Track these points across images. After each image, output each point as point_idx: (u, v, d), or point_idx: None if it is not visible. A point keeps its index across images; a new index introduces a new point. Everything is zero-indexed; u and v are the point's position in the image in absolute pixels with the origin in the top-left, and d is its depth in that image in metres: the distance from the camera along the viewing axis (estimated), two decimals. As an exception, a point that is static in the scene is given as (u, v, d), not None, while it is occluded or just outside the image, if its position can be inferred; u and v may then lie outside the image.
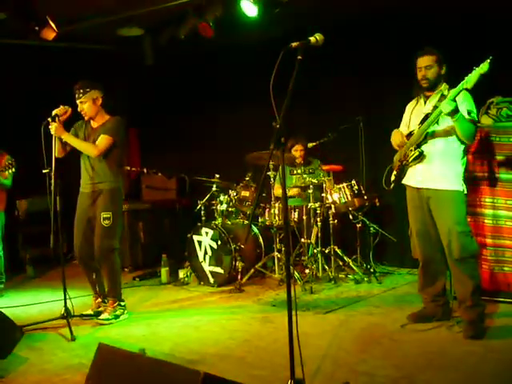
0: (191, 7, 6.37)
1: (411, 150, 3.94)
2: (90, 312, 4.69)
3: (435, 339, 3.79)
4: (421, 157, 3.89)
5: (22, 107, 7.31)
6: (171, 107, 8.01)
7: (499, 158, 4.47)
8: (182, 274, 6.07)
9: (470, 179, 4.47)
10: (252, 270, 5.64)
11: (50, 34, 6.08)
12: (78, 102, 4.57)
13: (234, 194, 5.94)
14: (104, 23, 6.68)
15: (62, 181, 4.41)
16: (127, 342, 4.02)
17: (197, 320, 4.56)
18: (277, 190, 5.71)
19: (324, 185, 5.69)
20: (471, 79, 3.45)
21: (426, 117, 3.85)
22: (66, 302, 4.35)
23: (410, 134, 4.03)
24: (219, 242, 5.66)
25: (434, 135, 3.87)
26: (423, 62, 3.86)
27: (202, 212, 6.16)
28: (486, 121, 4.63)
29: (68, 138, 4.50)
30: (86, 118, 4.61)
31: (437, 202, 3.89)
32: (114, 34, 6.96)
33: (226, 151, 7.19)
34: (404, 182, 4.11)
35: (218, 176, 6.08)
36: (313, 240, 5.69)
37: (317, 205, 5.63)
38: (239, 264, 5.54)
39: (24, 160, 5.75)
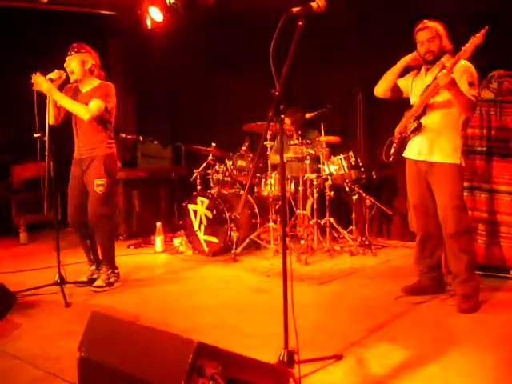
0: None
1: (410, 122, 3.92)
2: (83, 279, 4.67)
3: (429, 312, 3.80)
4: (419, 129, 3.87)
5: (14, 71, 7.18)
6: (167, 75, 7.90)
7: (498, 132, 4.43)
8: (176, 242, 6.06)
9: (469, 153, 4.44)
10: (247, 240, 5.63)
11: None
12: (67, 58, 4.46)
13: (231, 163, 5.89)
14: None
15: (55, 146, 4.35)
16: (121, 309, 4.01)
17: (191, 289, 4.56)
18: (272, 158, 5.68)
19: (321, 156, 5.65)
20: (467, 50, 3.44)
21: (427, 88, 3.82)
22: (59, 268, 4.32)
23: (411, 106, 3.98)
24: (214, 212, 5.62)
25: (433, 107, 3.83)
26: (424, 35, 3.82)
27: (198, 181, 6.11)
28: (486, 95, 4.56)
29: (59, 97, 4.37)
30: (71, 79, 4.47)
31: (434, 176, 3.88)
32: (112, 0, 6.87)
33: (223, 120, 7.12)
34: (404, 154, 4.08)
35: (214, 145, 6.02)
36: (308, 211, 5.66)
37: (313, 176, 5.60)
38: (234, 234, 5.51)
39: (17, 125, 5.67)
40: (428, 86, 3.82)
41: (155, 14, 6.75)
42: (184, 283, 4.78)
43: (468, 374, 2.81)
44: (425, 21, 3.84)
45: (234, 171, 5.86)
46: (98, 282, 4.54)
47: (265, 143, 5.51)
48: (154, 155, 7.82)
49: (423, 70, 3.99)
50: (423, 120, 3.86)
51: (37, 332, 3.60)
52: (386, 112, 4.23)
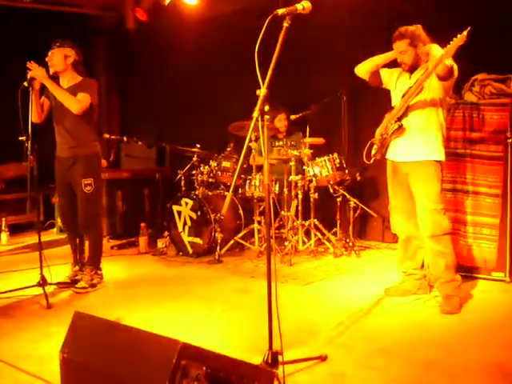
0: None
1: (392, 124, 3.93)
2: (66, 280, 4.64)
3: (412, 313, 3.81)
4: (400, 130, 3.88)
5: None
6: (151, 75, 7.87)
7: (481, 134, 4.47)
8: (160, 243, 6.03)
9: (452, 155, 4.47)
10: (231, 242, 5.62)
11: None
12: (49, 52, 4.44)
13: (215, 164, 5.88)
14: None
15: (38, 145, 4.32)
16: (103, 310, 3.98)
17: (175, 290, 4.54)
18: (257, 160, 5.68)
19: (305, 158, 5.66)
20: (449, 51, 3.43)
21: (408, 89, 3.84)
22: (41, 270, 4.28)
23: (392, 108, 4.01)
24: (199, 213, 5.61)
25: (414, 108, 3.84)
26: (397, 47, 3.86)
27: (182, 182, 6.09)
28: (469, 98, 4.62)
29: (51, 84, 4.32)
30: (50, 71, 4.42)
31: (414, 176, 3.89)
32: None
33: (208, 121, 7.10)
34: (387, 155, 4.10)
35: (198, 146, 6.01)
36: (292, 213, 5.67)
37: (298, 178, 5.61)
38: (218, 235, 5.50)
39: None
40: (410, 88, 3.83)
41: None
42: (168, 284, 4.76)
43: (453, 375, 2.83)
44: (398, 31, 3.86)
45: (219, 172, 5.85)
46: (81, 284, 4.51)
47: (249, 144, 5.51)
48: (137, 156, 7.78)
49: (406, 73, 4.01)
50: (404, 121, 3.88)
51: (19, 334, 3.56)
52: (370, 114, 4.24)
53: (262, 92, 2.67)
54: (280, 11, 2.71)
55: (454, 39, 3.41)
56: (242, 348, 3.18)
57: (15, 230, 7.14)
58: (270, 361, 2.72)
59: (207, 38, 6.82)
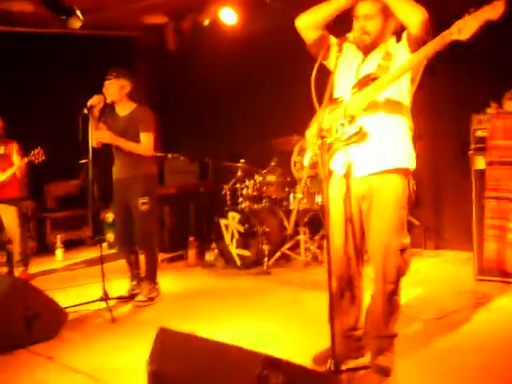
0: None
1: (343, 124, 2.92)
2: (125, 294, 4.89)
3: (460, 322, 3.82)
4: (360, 134, 2.88)
5: (47, 93, 7.46)
6: (192, 93, 8.12)
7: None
8: (208, 256, 6.25)
9: (494, 163, 4.59)
10: (278, 253, 5.81)
11: (76, 23, 6.24)
12: (106, 82, 4.71)
13: (260, 178, 6.08)
14: (128, 10, 6.84)
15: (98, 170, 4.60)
16: (165, 323, 4.16)
17: (229, 301, 4.74)
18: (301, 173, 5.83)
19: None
20: (471, 22, 2.47)
21: (369, 79, 2.88)
22: (104, 285, 4.52)
23: (335, 100, 3.02)
24: (246, 226, 5.81)
25: (377, 105, 2.91)
26: (364, 8, 2.90)
27: (228, 196, 6.31)
28: (510, 107, 4.72)
29: (119, 142, 4.67)
30: (107, 100, 4.71)
31: (377, 195, 2.93)
32: (137, 21, 7.12)
33: (248, 136, 7.29)
34: (331, 167, 3.04)
35: (242, 161, 6.22)
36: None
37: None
38: (265, 247, 5.69)
39: (49, 146, 5.92)
40: (371, 76, 2.88)
41: (228, 17, 6.78)
42: (222, 296, 4.96)
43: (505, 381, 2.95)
44: None
45: (264, 186, 6.05)
46: (140, 297, 4.75)
47: (294, 158, 5.71)
48: (180, 170, 8.01)
49: (354, 50, 3.04)
50: (365, 122, 2.90)
51: (90, 347, 3.80)
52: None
53: (319, 116, 2.76)
54: (333, 42, 2.87)
55: (485, 8, 2.44)
56: (299, 357, 3.33)
57: (66, 245, 7.43)
58: (333, 369, 2.87)
59: (247, 55, 7.02)
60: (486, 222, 4.69)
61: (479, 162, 4.75)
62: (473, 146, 4.77)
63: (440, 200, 6.05)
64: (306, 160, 2.94)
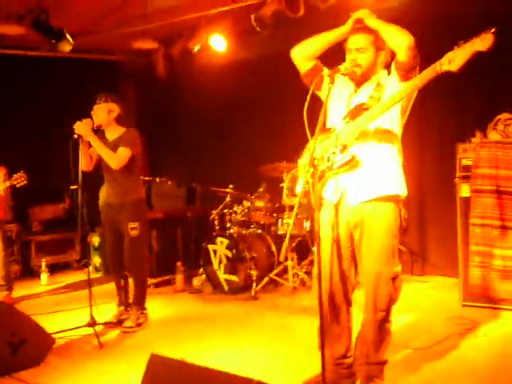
0: (204, 20, 6.61)
1: (335, 153, 2.98)
2: (113, 320, 4.85)
3: (451, 348, 3.87)
4: (352, 162, 2.93)
5: (35, 117, 7.47)
6: (180, 118, 8.18)
7: (507, 172, 4.65)
8: (196, 281, 6.23)
9: (480, 191, 4.69)
10: (266, 279, 5.81)
11: (66, 47, 6.28)
12: (94, 106, 4.74)
13: (249, 204, 6.11)
14: (118, 35, 6.91)
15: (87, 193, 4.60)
16: (153, 349, 4.15)
17: (217, 327, 4.74)
18: (289, 200, 5.88)
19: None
20: (461, 54, 2.54)
21: (361, 108, 2.95)
22: (91, 310, 4.49)
23: (326, 129, 3.10)
24: (234, 251, 5.82)
25: (369, 134, 2.96)
26: (356, 41, 2.97)
27: (216, 221, 6.32)
28: (494, 136, 4.83)
29: (95, 141, 4.60)
30: (95, 124, 4.70)
31: (371, 223, 2.97)
32: (127, 46, 7.18)
33: (236, 162, 7.34)
34: (323, 195, 3.08)
35: (231, 186, 6.26)
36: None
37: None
38: (253, 272, 5.70)
39: (36, 169, 5.91)
40: (362, 106, 2.95)
41: (218, 43, 6.77)
42: (210, 321, 4.96)
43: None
44: (363, 19, 2.94)
45: (252, 212, 6.08)
46: (128, 323, 4.71)
47: (281, 185, 5.76)
48: (167, 195, 8.01)
49: (347, 82, 3.13)
50: (357, 151, 2.95)
51: (75, 374, 3.76)
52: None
53: (311, 146, 2.78)
54: (325, 73, 2.94)
55: (474, 40, 2.50)
56: (291, 383, 3.34)
57: (52, 269, 7.34)
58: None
59: (236, 81, 7.09)
60: (471, 249, 4.78)
61: (464, 190, 4.85)
62: (458, 174, 4.87)
63: (426, 226, 6.11)
64: (299, 188, 2.94)
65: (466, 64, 2.54)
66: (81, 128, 4.55)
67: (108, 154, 4.63)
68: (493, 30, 2.44)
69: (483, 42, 2.45)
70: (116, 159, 4.63)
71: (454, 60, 2.53)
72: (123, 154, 4.67)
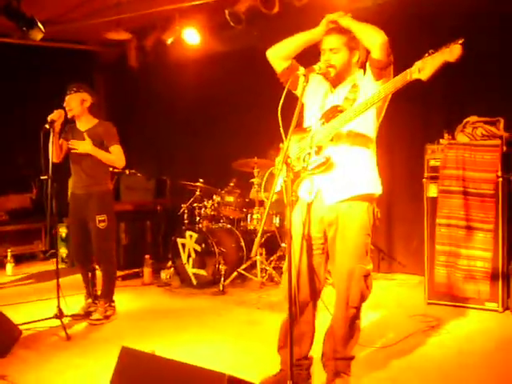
0: (178, 12, 6.58)
1: (310, 154, 3.00)
2: (80, 312, 4.82)
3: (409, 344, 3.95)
4: (327, 164, 2.97)
5: (3, 105, 7.33)
6: (152, 110, 8.12)
7: (473, 173, 4.76)
8: (164, 275, 6.23)
9: (446, 192, 4.80)
10: (235, 273, 5.83)
11: (37, 35, 6.17)
12: (66, 97, 4.69)
13: (219, 198, 6.12)
14: (91, 25, 6.82)
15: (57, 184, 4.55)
16: (121, 342, 4.10)
17: (185, 321, 4.75)
18: (258, 195, 5.91)
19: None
20: (431, 64, 2.57)
21: (336, 110, 2.98)
22: (59, 302, 4.44)
23: (302, 129, 3.14)
24: (203, 246, 5.82)
25: (341, 136, 3.00)
26: (330, 42, 3.00)
27: (185, 215, 6.32)
28: (461, 138, 4.93)
29: (96, 151, 4.63)
30: (68, 115, 4.68)
31: (345, 222, 3.00)
32: (100, 36, 7.09)
33: (207, 156, 7.34)
34: (298, 193, 3.12)
35: (201, 181, 6.26)
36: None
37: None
38: (222, 267, 5.71)
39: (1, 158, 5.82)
40: (337, 108, 2.98)
41: (191, 37, 6.76)
42: (177, 315, 4.95)
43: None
44: (337, 21, 2.99)
45: (222, 206, 6.09)
46: (96, 315, 4.69)
47: (251, 180, 5.80)
48: (136, 187, 7.97)
49: (322, 82, 3.16)
50: (331, 152, 2.99)
51: (43, 366, 3.74)
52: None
53: (285, 145, 2.75)
54: (300, 72, 2.96)
55: (443, 50, 2.54)
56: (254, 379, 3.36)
57: (17, 260, 7.24)
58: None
59: (208, 75, 7.08)
60: (437, 248, 4.89)
61: (432, 190, 4.96)
62: (426, 175, 4.99)
63: (394, 225, 6.21)
64: (278, 186, 2.89)
65: (435, 73, 2.59)
66: (85, 147, 4.60)
67: (112, 159, 4.70)
68: (461, 41, 2.49)
69: (452, 53, 2.49)
70: (119, 160, 4.73)
71: (423, 69, 2.58)
72: (119, 151, 4.73)
